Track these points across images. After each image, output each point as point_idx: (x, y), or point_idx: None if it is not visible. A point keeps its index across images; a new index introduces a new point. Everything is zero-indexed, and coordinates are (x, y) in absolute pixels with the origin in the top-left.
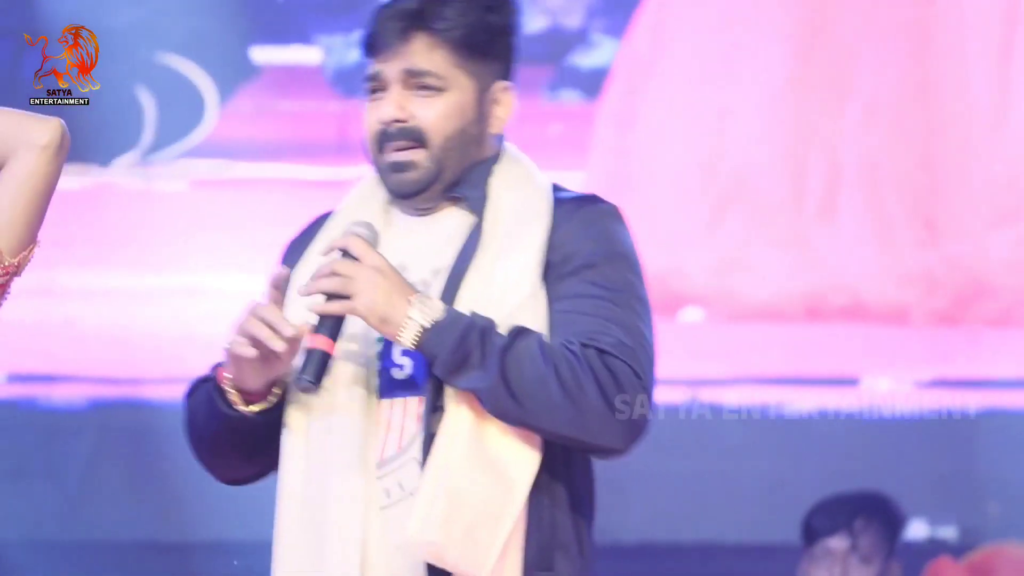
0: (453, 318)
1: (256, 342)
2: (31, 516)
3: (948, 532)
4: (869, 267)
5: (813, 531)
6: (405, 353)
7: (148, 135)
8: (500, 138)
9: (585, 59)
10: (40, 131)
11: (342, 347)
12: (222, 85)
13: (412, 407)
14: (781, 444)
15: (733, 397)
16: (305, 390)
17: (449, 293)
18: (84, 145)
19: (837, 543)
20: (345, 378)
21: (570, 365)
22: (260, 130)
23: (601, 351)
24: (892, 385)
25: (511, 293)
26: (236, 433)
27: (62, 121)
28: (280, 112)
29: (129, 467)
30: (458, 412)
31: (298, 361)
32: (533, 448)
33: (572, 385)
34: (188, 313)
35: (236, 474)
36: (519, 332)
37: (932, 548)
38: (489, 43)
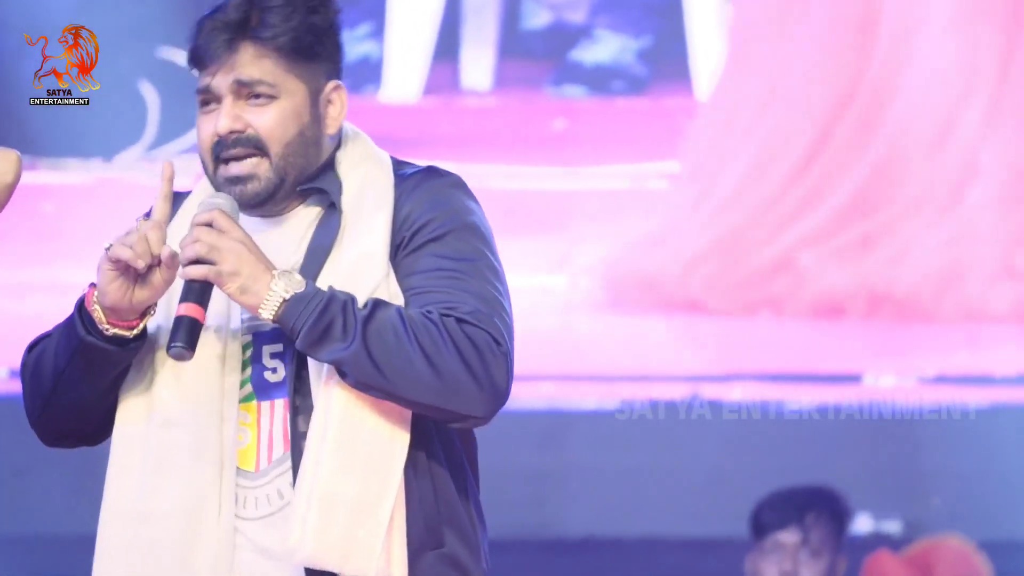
0: (314, 291)
1: (135, 253)
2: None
3: (892, 526)
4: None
5: (763, 525)
6: (275, 356)
7: (151, 130)
8: (336, 135)
9: (588, 54)
10: (5, 168)
11: (204, 351)
12: None
13: (284, 411)
14: (724, 440)
15: (671, 393)
16: (179, 357)
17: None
18: (87, 140)
19: (788, 537)
20: (210, 379)
21: (430, 333)
22: None
23: (460, 320)
24: (850, 383)
25: (364, 280)
26: (90, 365)
27: (18, 153)
28: None
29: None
30: (324, 411)
31: (165, 333)
32: (401, 436)
33: (433, 353)
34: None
35: (68, 425)
36: (378, 303)
37: (876, 542)
38: (315, 45)
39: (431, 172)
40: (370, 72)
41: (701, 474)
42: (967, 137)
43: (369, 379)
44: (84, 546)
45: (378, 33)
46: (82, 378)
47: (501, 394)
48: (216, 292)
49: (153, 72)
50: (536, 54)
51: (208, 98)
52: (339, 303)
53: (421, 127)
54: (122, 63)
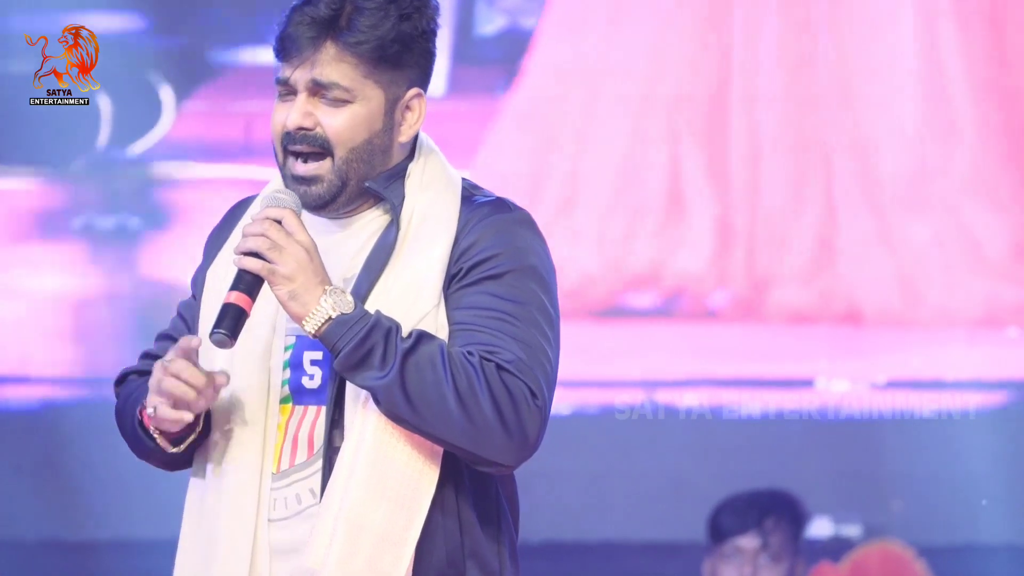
0: (360, 314)
1: (174, 399)
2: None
3: (852, 530)
4: None
5: (722, 530)
6: (315, 363)
7: (104, 136)
8: (411, 142)
9: None
10: None
11: (247, 349)
12: (178, 86)
13: (323, 417)
14: (681, 444)
15: (625, 398)
16: (220, 343)
17: (358, 297)
18: (38, 147)
19: (748, 542)
20: (253, 380)
21: (468, 376)
22: (217, 130)
23: (500, 367)
24: (803, 387)
25: (414, 306)
26: (164, 458)
27: None
28: (238, 113)
29: (79, 469)
30: (358, 436)
31: (210, 321)
32: (431, 471)
33: (468, 396)
34: (148, 313)
35: (167, 469)
36: (423, 336)
37: (837, 545)
38: (402, 53)
39: (501, 205)
40: None
41: (659, 478)
42: (920, 142)
43: (400, 411)
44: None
45: None
46: (151, 453)
47: (531, 445)
48: (263, 299)
49: (106, 80)
50: (489, 60)
51: (285, 90)
52: (382, 331)
53: None
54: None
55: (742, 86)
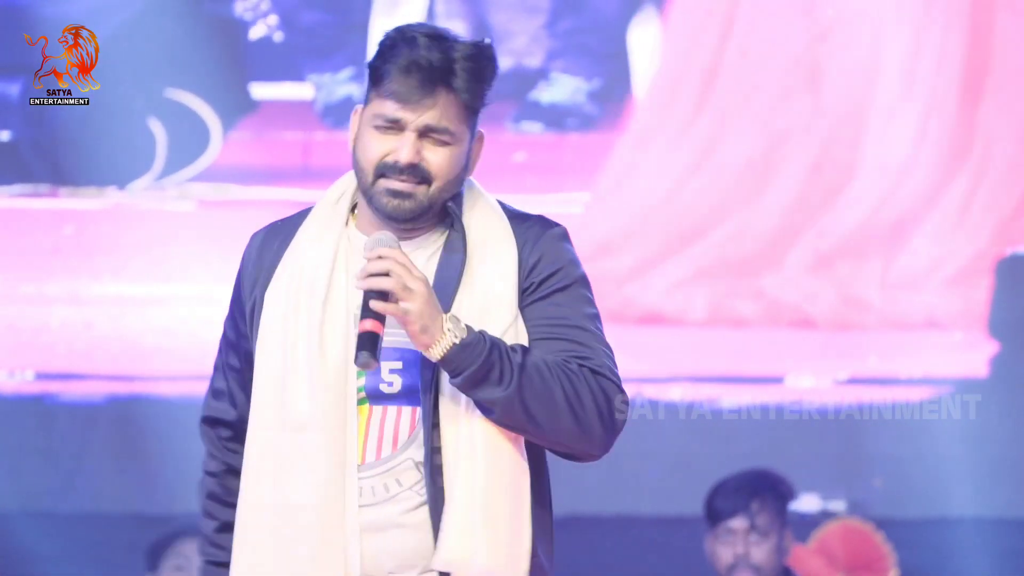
0: (478, 337)
1: None
2: (54, 493)
3: (837, 505)
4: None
5: (714, 513)
6: (393, 371)
7: (160, 161)
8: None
9: (545, 95)
10: None
11: (323, 357)
12: (225, 117)
13: (406, 416)
14: (673, 433)
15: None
16: (365, 366)
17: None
18: (103, 170)
19: (738, 524)
20: (328, 387)
21: (572, 382)
22: (258, 157)
23: (594, 371)
24: (795, 384)
25: (497, 320)
26: None
27: None
28: (276, 141)
29: (137, 453)
30: (461, 431)
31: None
32: (525, 459)
33: (575, 401)
34: (195, 318)
35: None
36: (526, 350)
37: (824, 519)
38: (484, 101)
39: (547, 222)
40: (352, 110)
41: (663, 461)
42: (891, 149)
43: (517, 419)
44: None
45: (360, 76)
46: None
47: (615, 437)
48: (335, 310)
49: (161, 110)
50: (498, 94)
51: (393, 127)
52: (498, 350)
53: None
54: (134, 102)
55: (710, 85)
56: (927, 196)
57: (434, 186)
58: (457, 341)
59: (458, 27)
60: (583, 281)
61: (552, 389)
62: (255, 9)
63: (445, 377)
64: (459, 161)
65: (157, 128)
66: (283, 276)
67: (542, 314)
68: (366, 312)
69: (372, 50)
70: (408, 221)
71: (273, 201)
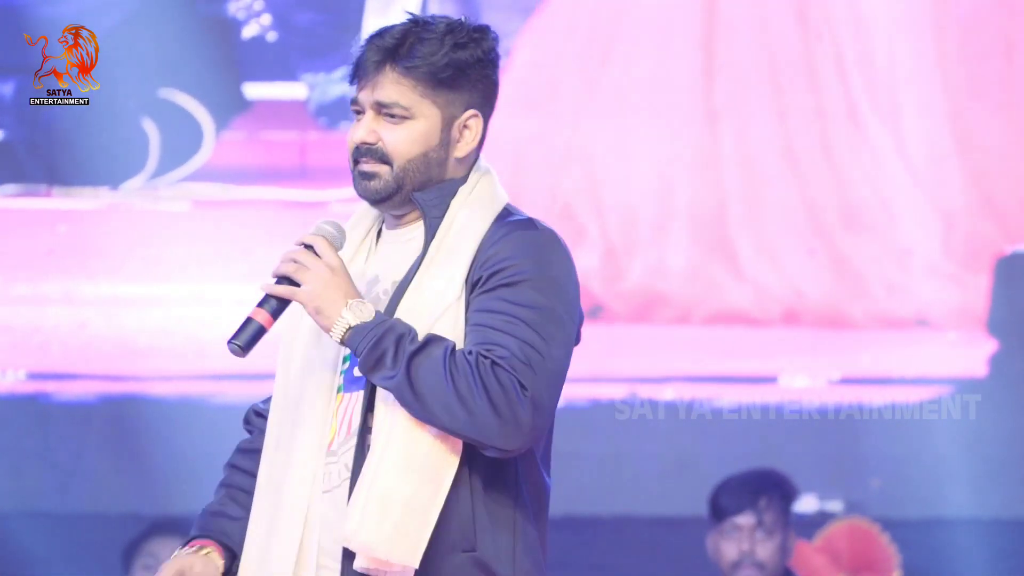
0: (377, 322)
1: None
2: (48, 493)
3: (835, 505)
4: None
5: (721, 509)
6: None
7: (153, 161)
8: (474, 159)
9: None
10: None
11: (321, 344)
12: (218, 117)
13: (358, 400)
14: (674, 432)
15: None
16: (233, 352)
17: (393, 303)
18: (97, 170)
19: (744, 520)
20: (318, 372)
21: (465, 374)
22: (252, 157)
23: (494, 363)
24: (790, 383)
25: (436, 303)
26: None
27: None
28: (270, 141)
29: (132, 453)
30: (391, 418)
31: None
32: (456, 448)
33: (465, 392)
34: (188, 318)
35: None
36: (431, 339)
37: (822, 519)
38: (456, 77)
39: (528, 224)
40: (346, 110)
41: (659, 461)
42: (879, 150)
43: (409, 405)
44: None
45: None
46: None
47: (524, 432)
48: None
49: (154, 110)
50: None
51: (356, 109)
52: (394, 335)
53: None
54: (128, 102)
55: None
56: (924, 194)
57: (396, 165)
58: (354, 323)
59: None
60: (545, 280)
61: (441, 380)
62: (248, 8)
63: None
64: (419, 139)
65: (150, 128)
66: None
67: (480, 306)
68: (262, 302)
69: None
70: (381, 202)
71: (267, 201)
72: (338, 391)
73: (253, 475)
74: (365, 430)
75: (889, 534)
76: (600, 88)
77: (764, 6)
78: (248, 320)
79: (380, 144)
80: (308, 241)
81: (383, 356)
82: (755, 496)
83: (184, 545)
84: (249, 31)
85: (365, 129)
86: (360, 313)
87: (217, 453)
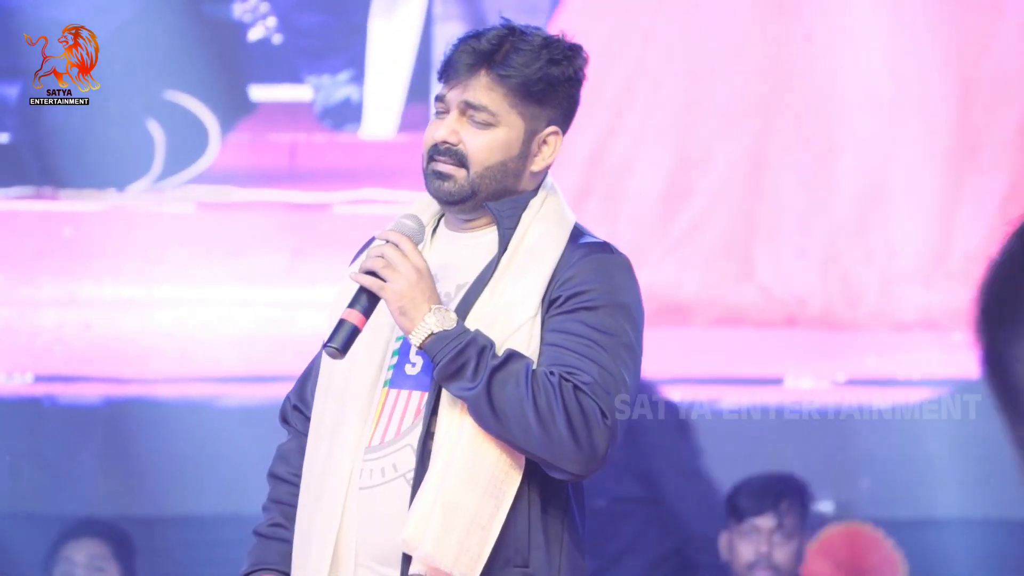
0: (460, 331)
1: None
2: (46, 495)
3: (826, 506)
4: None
5: (740, 510)
6: (419, 353)
7: (158, 163)
8: (545, 174)
9: None
10: None
11: (368, 336)
12: (223, 119)
13: (414, 401)
14: (675, 433)
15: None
16: (331, 356)
17: (463, 308)
18: (102, 172)
19: (764, 522)
20: (363, 364)
21: (547, 394)
22: (257, 159)
23: (577, 387)
24: (795, 385)
25: (512, 317)
26: None
27: None
28: (275, 143)
29: (139, 456)
30: (457, 427)
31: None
32: (518, 464)
33: (546, 413)
34: (193, 321)
35: None
36: (512, 355)
37: (812, 520)
38: (546, 92)
39: (604, 247)
40: (352, 112)
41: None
42: (875, 152)
43: (485, 419)
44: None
45: (359, 78)
46: None
47: (599, 459)
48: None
49: (159, 112)
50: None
51: (441, 107)
52: (476, 347)
53: (397, 161)
54: (133, 104)
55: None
56: (921, 197)
57: (473, 170)
58: (436, 330)
59: (456, 28)
60: (620, 309)
61: (523, 398)
62: (254, 11)
63: None
64: (501, 147)
65: (156, 130)
66: (348, 277)
67: (558, 326)
68: (353, 302)
69: (371, 51)
70: (453, 205)
71: (271, 203)
72: (384, 385)
73: (296, 481)
74: (428, 434)
75: (892, 537)
76: (606, 87)
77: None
78: (341, 322)
79: (461, 146)
80: (394, 239)
81: (464, 367)
82: (777, 499)
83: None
84: (255, 33)
85: (448, 128)
86: (443, 320)
87: (220, 455)
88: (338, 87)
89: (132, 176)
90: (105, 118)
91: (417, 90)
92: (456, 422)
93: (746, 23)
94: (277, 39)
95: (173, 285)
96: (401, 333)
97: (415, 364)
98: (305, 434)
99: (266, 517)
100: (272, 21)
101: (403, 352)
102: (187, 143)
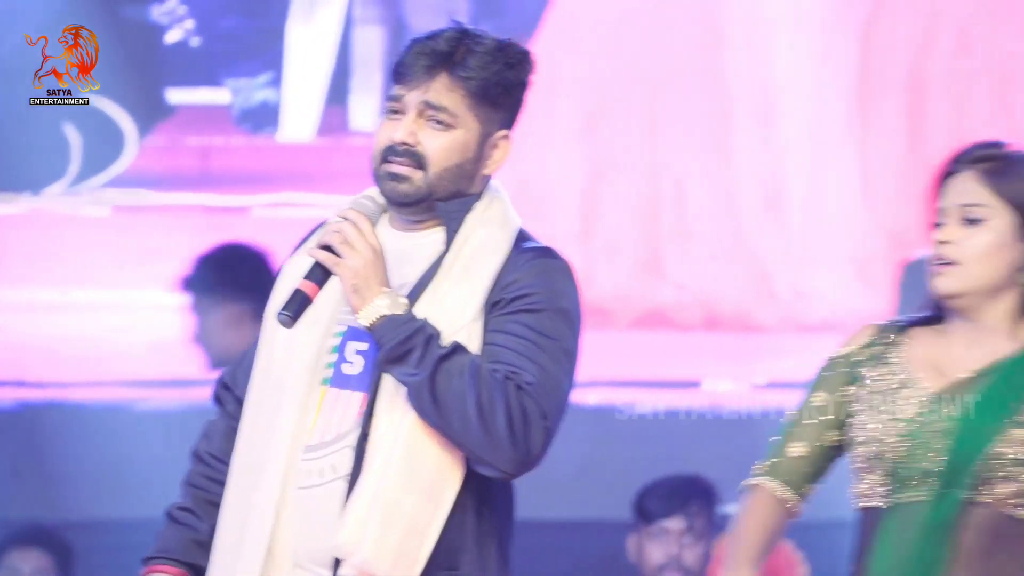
0: (410, 317)
1: None
2: None
3: (733, 508)
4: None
5: (650, 512)
6: (358, 352)
7: (75, 167)
8: (489, 177)
9: None
10: None
11: (306, 329)
12: (140, 122)
13: (354, 401)
14: (590, 436)
15: None
16: (283, 323)
17: None
18: (17, 176)
19: (674, 524)
20: (301, 357)
21: (490, 391)
22: (175, 162)
23: (520, 387)
24: (683, 387)
25: (453, 319)
26: None
27: None
28: (192, 147)
29: (55, 460)
30: (395, 429)
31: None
32: (458, 467)
33: (487, 408)
34: (108, 325)
35: None
36: (459, 347)
37: (719, 522)
38: (501, 95)
39: (547, 252)
40: (270, 115)
41: (575, 465)
42: (789, 159)
43: (425, 408)
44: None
45: (277, 81)
46: None
47: (532, 460)
48: (331, 288)
49: (76, 115)
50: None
51: (396, 107)
52: (424, 335)
53: (315, 164)
54: (50, 108)
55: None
56: (832, 202)
57: (431, 172)
58: (387, 313)
59: (376, 31)
60: (561, 312)
61: (466, 390)
62: (172, 14)
63: None
64: (459, 149)
65: (72, 133)
66: (298, 256)
67: (500, 327)
68: (309, 274)
69: (289, 54)
70: (407, 207)
71: (189, 207)
72: (323, 382)
73: (214, 463)
74: (364, 436)
75: (795, 539)
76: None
77: (664, 11)
78: (296, 292)
79: (419, 147)
80: (353, 219)
81: (410, 352)
82: (686, 501)
83: (149, 563)
84: (172, 36)
85: (406, 129)
86: (394, 304)
87: (136, 459)
88: (256, 90)
89: (48, 179)
90: (21, 121)
91: (335, 93)
92: (394, 425)
93: (653, 27)
94: (195, 42)
95: (89, 289)
96: (340, 329)
97: (353, 363)
98: (234, 417)
99: (179, 499)
100: (190, 24)
101: (342, 350)
102: (104, 146)
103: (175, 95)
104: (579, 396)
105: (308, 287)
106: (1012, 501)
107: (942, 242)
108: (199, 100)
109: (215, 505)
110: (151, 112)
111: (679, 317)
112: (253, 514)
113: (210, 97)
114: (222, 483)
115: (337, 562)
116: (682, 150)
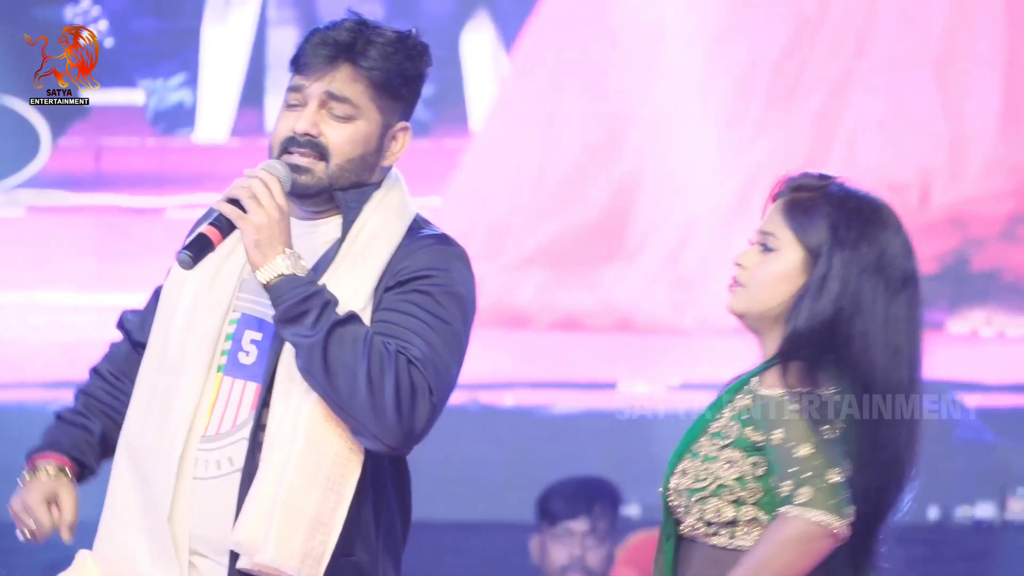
0: (310, 280)
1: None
2: None
3: (633, 510)
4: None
5: (553, 513)
6: (253, 342)
7: None
8: (388, 168)
9: None
10: None
11: (203, 311)
12: (55, 123)
13: (249, 392)
14: (502, 438)
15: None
16: (182, 263)
17: None
18: None
19: (578, 526)
20: (198, 340)
21: (381, 361)
22: (89, 163)
23: (410, 361)
24: (599, 389)
25: (346, 303)
26: None
27: None
28: (107, 147)
29: None
30: (289, 414)
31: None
32: (357, 456)
33: (377, 378)
34: (23, 326)
35: None
36: (355, 317)
37: (621, 524)
38: (401, 87)
39: (443, 239)
40: (185, 116)
41: (488, 466)
42: (707, 160)
43: (313, 371)
44: None
45: (192, 82)
46: None
47: (416, 434)
48: (230, 271)
49: None
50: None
51: (296, 98)
52: (322, 299)
53: (230, 165)
54: None
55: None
56: (734, 205)
57: (332, 163)
58: (286, 272)
59: (290, 32)
60: (453, 295)
61: (358, 356)
62: (85, 15)
63: (287, 356)
64: (362, 141)
65: None
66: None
67: (392, 305)
68: (215, 220)
69: (204, 55)
70: (307, 198)
71: (103, 207)
72: (219, 370)
73: (114, 382)
74: (259, 428)
75: None
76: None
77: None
78: (200, 235)
79: (322, 138)
80: (264, 178)
81: (306, 313)
82: (590, 502)
83: (35, 454)
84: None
85: (308, 120)
86: (295, 265)
87: None
88: (171, 91)
89: None
90: None
91: (250, 94)
92: (291, 417)
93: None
94: (109, 43)
95: (3, 290)
96: (235, 316)
97: (249, 353)
98: (139, 344)
99: (73, 404)
100: (104, 25)
101: (237, 338)
102: (17, 147)
103: (90, 96)
104: (496, 397)
105: (212, 233)
106: (701, 530)
107: (737, 264)
108: (114, 101)
109: (108, 417)
110: (65, 113)
111: (596, 320)
112: (148, 504)
113: (125, 98)
114: (117, 399)
115: (235, 552)
116: (600, 156)
